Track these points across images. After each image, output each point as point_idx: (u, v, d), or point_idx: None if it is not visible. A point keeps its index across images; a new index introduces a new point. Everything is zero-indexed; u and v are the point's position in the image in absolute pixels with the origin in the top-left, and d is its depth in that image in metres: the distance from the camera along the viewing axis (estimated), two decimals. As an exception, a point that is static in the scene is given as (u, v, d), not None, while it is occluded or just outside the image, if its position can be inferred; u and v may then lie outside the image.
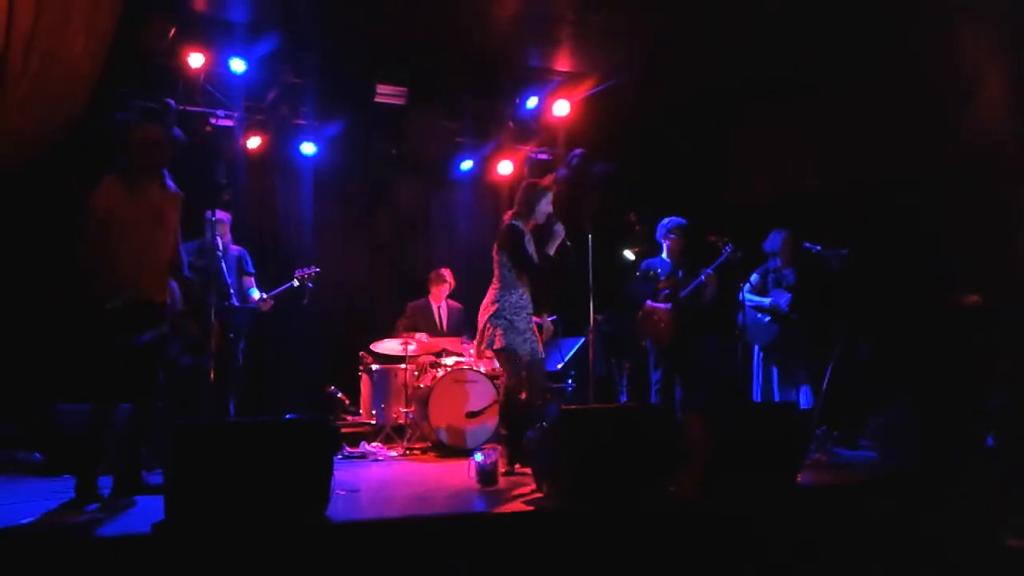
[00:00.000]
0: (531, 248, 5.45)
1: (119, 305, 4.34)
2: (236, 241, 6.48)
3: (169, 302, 4.69)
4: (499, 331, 5.31)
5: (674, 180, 7.95)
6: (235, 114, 7.54)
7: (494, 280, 5.47)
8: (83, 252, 4.42)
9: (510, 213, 5.58)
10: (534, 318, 5.61)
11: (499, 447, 5.18)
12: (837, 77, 7.12)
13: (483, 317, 5.44)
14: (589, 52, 7.87)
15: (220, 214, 6.05)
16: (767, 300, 6.61)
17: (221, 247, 5.90)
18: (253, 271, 6.46)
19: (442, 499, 4.45)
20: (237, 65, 7.23)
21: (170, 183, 4.66)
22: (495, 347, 5.34)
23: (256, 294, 6.40)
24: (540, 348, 5.50)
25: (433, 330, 7.37)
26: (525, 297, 5.45)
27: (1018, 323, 6.47)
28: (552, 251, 5.47)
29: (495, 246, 5.49)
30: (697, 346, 6.58)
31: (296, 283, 6.50)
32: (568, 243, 5.54)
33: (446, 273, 7.57)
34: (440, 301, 7.56)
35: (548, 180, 5.73)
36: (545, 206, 5.51)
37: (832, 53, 7.00)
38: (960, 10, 6.38)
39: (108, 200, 4.41)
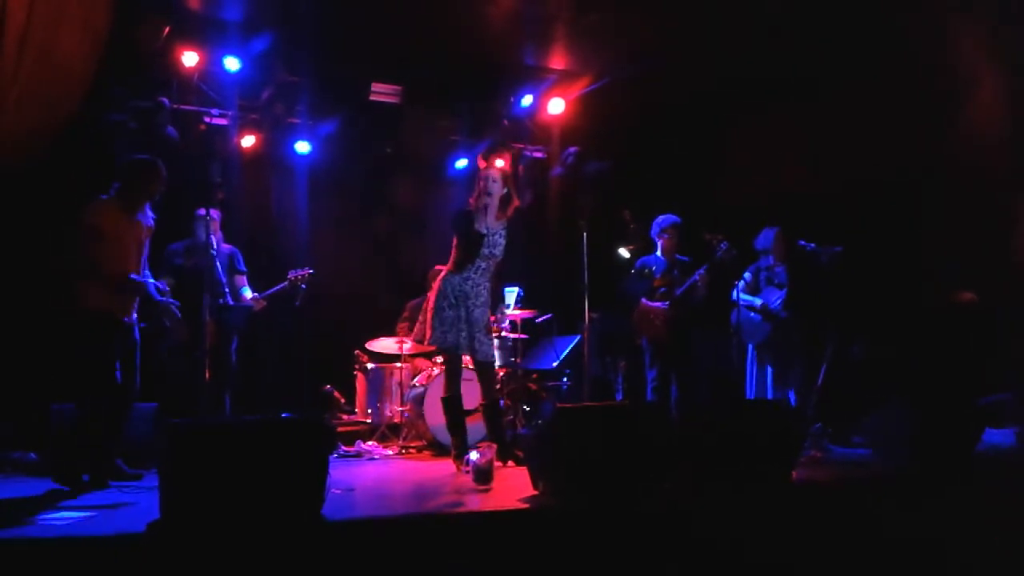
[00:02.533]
0: (481, 228, 5.35)
1: (105, 319, 4.73)
2: (229, 240, 6.46)
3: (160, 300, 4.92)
4: (441, 326, 5.29)
5: (669, 178, 7.95)
6: (229, 113, 7.54)
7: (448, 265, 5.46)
8: (74, 265, 4.73)
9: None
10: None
11: (494, 445, 5.18)
12: (833, 77, 7.13)
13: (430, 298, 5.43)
14: (584, 51, 7.87)
15: (212, 212, 6.04)
16: (758, 300, 6.62)
17: (215, 245, 5.89)
18: (245, 269, 6.45)
19: (437, 497, 4.45)
20: (231, 64, 7.22)
21: (149, 212, 5.01)
22: (429, 342, 5.34)
23: (248, 293, 6.38)
24: (486, 347, 5.41)
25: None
26: (470, 284, 5.35)
27: (1015, 322, 6.49)
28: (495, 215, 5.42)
29: None
30: (692, 344, 6.59)
31: (288, 284, 6.48)
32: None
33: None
34: None
35: (485, 161, 5.68)
36: (492, 186, 5.39)
37: (828, 53, 7.01)
38: (958, 11, 6.40)
39: (103, 220, 4.76)
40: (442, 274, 5.45)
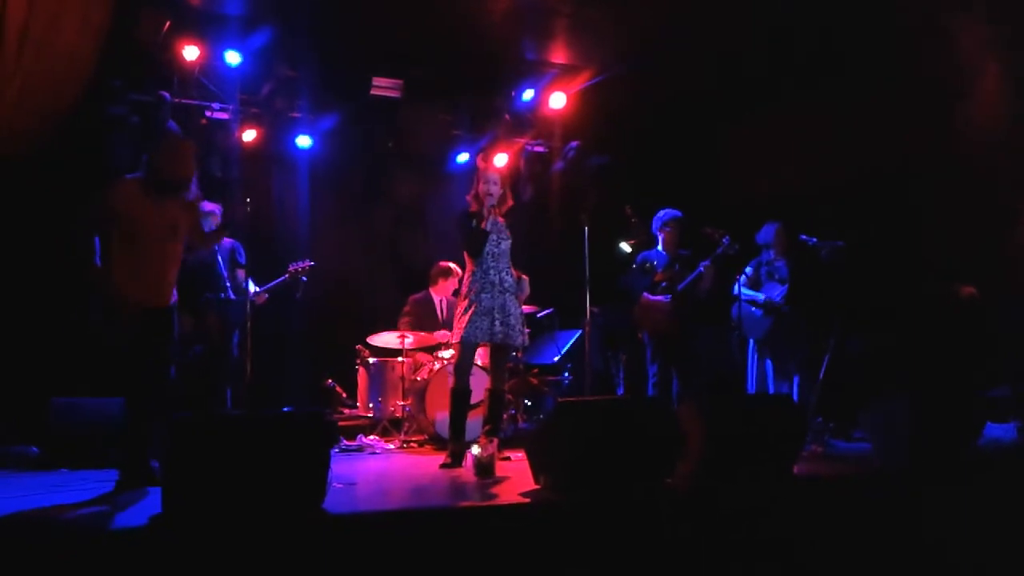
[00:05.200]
0: (487, 224, 5.37)
1: (134, 314, 4.44)
2: (230, 234, 6.45)
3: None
4: (463, 320, 5.33)
5: (670, 173, 7.95)
6: (230, 107, 7.53)
7: (467, 266, 5.52)
8: (92, 253, 4.42)
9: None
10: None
11: (496, 440, 5.19)
12: (834, 71, 7.13)
13: (460, 300, 5.49)
14: (585, 45, 7.87)
15: (211, 206, 6.04)
16: (760, 295, 6.62)
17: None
18: (246, 263, 6.45)
19: (439, 491, 4.45)
20: (232, 58, 7.21)
21: (194, 188, 4.68)
22: (454, 340, 5.41)
23: (252, 287, 6.38)
24: (511, 331, 5.41)
25: (435, 324, 7.35)
26: (492, 273, 5.39)
27: (1015, 316, 6.49)
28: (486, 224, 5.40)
29: None
30: (694, 339, 6.59)
31: (288, 277, 6.48)
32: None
33: (449, 266, 7.48)
34: (445, 295, 7.49)
35: (480, 159, 5.70)
36: (486, 185, 5.42)
37: (830, 47, 7.00)
38: (959, 8, 6.39)
39: (124, 202, 4.44)
40: (466, 276, 5.49)
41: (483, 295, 5.35)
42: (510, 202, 5.54)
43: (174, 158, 4.55)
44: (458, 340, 5.36)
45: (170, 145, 4.58)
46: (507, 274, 5.46)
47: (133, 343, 4.47)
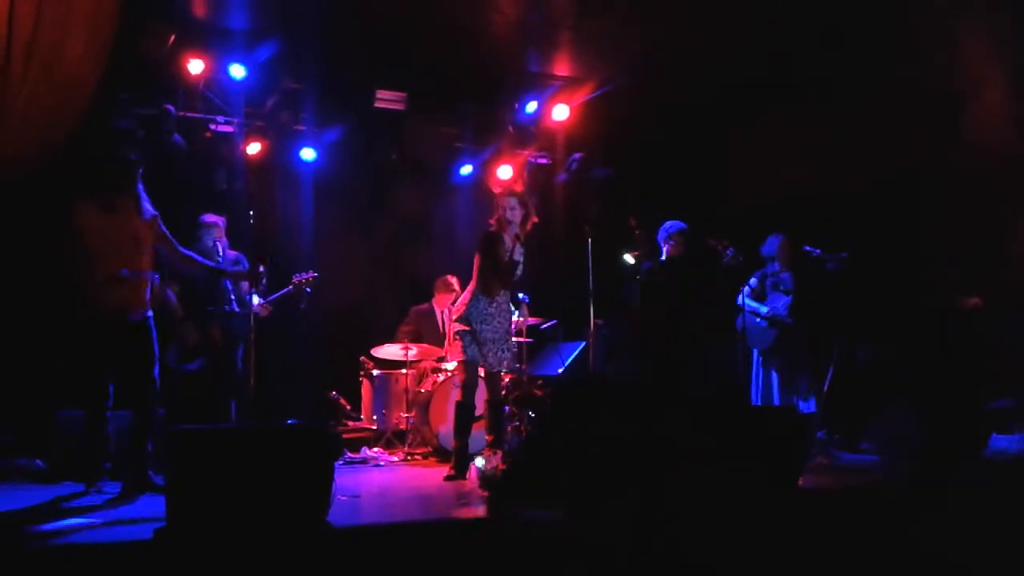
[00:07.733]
0: (514, 254, 5.48)
1: (97, 321, 4.62)
2: (234, 246, 6.47)
3: (163, 310, 4.86)
4: (461, 344, 5.43)
5: (673, 184, 7.95)
6: (235, 120, 7.55)
7: (471, 283, 5.56)
8: (65, 272, 4.70)
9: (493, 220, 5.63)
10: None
11: (499, 452, 5.18)
12: (836, 82, 7.13)
13: (453, 320, 5.57)
14: (588, 57, 7.88)
15: (214, 218, 6.06)
16: (764, 307, 6.61)
17: (220, 251, 5.91)
18: None
19: (443, 504, 4.45)
20: (237, 71, 7.23)
21: (146, 206, 4.86)
22: (455, 358, 5.50)
23: (255, 299, 6.38)
24: (509, 357, 5.58)
25: (436, 336, 7.35)
26: (497, 304, 5.48)
27: (1020, 327, 6.47)
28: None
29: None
30: (698, 350, 6.57)
31: (292, 288, 6.49)
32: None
33: (453, 280, 7.49)
34: (445, 307, 7.51)
35: (507, 182, 5.77)
36: (510, 212, 5.49)
37: (831, 55, 7.00)
38: (962, 10, 6.39)
39: (80, 220, 4.67)
40: (467, 297, 5.53)
41: (484, 326, 5.43)
42: (534, 219, 5.61)
43: (113, 170, 4.82)
44: (462, 360, 5.42)
45: (107, 161, 4.86)
46: (507, 303, 5.57)
47: (98, 355, 4.66)
